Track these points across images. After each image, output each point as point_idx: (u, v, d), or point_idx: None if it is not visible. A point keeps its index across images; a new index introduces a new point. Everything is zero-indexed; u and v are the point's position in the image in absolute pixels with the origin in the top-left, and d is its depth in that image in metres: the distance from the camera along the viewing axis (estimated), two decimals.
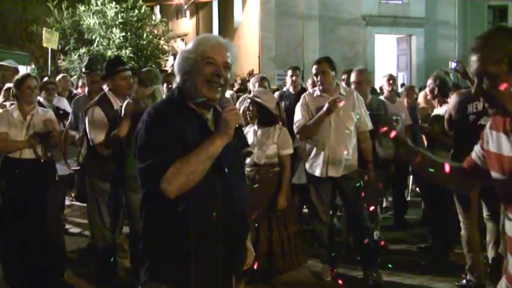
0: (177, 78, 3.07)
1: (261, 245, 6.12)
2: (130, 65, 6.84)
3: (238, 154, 3.03)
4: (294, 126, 6.74)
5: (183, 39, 27.86)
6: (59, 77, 11.54)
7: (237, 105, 9.23)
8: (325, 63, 6.68)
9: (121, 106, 6.35)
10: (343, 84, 7.64)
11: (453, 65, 6.72)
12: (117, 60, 7.18)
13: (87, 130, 6.32)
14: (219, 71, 2.92)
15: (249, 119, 6.42)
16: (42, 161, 6.41)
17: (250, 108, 6.46)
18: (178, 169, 2.74)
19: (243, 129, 2.94)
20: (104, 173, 6.36)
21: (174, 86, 8.24)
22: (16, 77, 6.64)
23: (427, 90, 7.64)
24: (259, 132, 6.35)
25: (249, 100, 6.53)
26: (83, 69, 8.52)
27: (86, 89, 8.74)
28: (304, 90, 9.75)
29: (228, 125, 2.85)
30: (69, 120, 7.85)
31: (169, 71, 9.28)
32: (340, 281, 6.41)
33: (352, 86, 7.35)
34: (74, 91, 11.97)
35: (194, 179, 2.77)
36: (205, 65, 2.91)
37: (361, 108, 6.61)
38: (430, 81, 7.44)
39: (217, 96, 2.95)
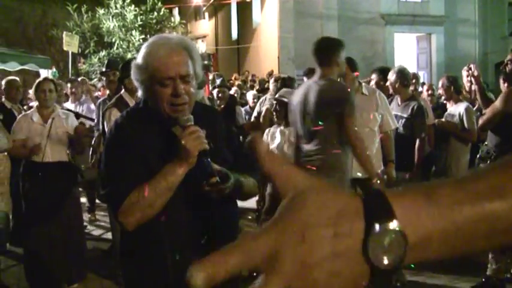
0: (139, 92, 2.82)
1: None
2: None
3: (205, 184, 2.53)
4: None
5: (203, 41, 27.90)
6: (79, 80, 11.62)
7: (257, 106, 9.24)
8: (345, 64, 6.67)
9: None
10: (373, 82, 7.66)
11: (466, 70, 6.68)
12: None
13: (106, 132, 6.36)
14: (177, 91, 2.57)
15: (275, 119, 6.39)
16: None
17: (278, 109, 6.41)
18: (133, 203, 2.54)
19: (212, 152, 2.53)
20: None
21: None
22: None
23: (440, 91, 7.64)
24: (287, 132, 6.33)
25: (274, 101, 6.50)
26: (103, 69, 8.63)
27: (107, 91, 8.80)
28: None
29: (189, 153, 2.50)
30: (95, 122, 7.92)
31: None
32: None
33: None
34: (95, 94, 12.03)
35: (152, 212, 2.55)
36: (160, 88, 2.59)
37: (384, 107, 6.55)
38: (443, 81, 7.44)
39: (184, 113, 2.60)
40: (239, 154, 2.95)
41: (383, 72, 7.68)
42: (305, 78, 9.74)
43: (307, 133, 5.39)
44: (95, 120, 8.04)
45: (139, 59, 2.69)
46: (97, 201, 9.97)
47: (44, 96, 6.41)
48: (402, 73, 7.26)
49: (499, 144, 6.30)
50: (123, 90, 6.66)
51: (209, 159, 2.54)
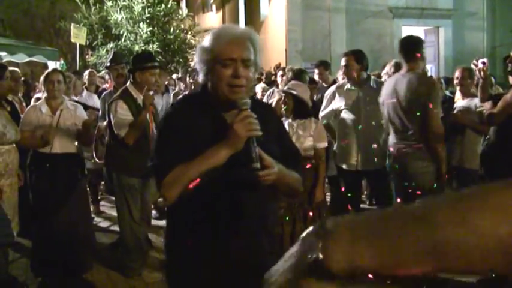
0: (200, 75, 2.95)
1: (296, 238, 6.09)
2: (158, 59, 6.88)
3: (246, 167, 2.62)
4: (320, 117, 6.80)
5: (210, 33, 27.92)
6: (86, 72, 11.63)
7: (265, 98, 9.24)
8: (349, 56, 6.69)
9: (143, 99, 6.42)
10: (387, 71, 7.67)
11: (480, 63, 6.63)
12: (149, 55, 7.17)
13: (112, 124, 6.37)
14: (237, 72, 2.72)
15: (283, 111, 6.39)
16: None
17: (286, 101, 6.41)
18: (176, 177, 2.65)
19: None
20: (130, 168, 6.41)
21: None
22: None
23: (457, 82, 7.60)
24: (295, 125, 6.33)
25: (283, 93, 6.49)
26: (107, 64, 8.59)
27: (113, 84, 8.82)
28: (335, 82, 9.76)
29: (237, 137, 2.61)
30: (98, 116, 7.92)
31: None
32: (370, 276, 6.33)
33: None
34: (102, 86, 12.05)
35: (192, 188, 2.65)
36: (222, 68, 2.74)
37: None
38: (463, 73, 7.41)
39: (241, 97, 2.74)
40: (288, 152, 3.06)
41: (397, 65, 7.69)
42: (316, 70, 9.74)
43: (400, 124, 5.87)
44: (100, 113, 8.05)
45: (205, 42, 2.86)
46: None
47: (52, 87, 6.42)
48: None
49: (503, 137, 6.29)
50: (128, 82, 6.68)
51: (255, 146, 2.61)
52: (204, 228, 2.78)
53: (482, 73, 6.35)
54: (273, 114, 3.33)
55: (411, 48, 5.98)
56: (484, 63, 6.33)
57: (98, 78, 12.05)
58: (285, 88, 6.45)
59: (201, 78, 2.94)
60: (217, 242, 2.79)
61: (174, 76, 16.17)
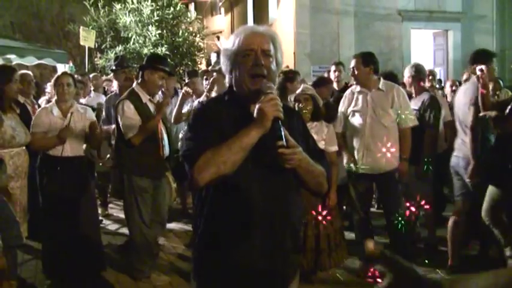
0: (226, 77, 3.01)
1: (308, 241, 6.09)
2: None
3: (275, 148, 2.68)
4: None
5: (218, 37, 27.98)
6: (91, 76, 11.73)
7: None
8: (357, 59, 6.69)
9: (149, 100, 6.46)
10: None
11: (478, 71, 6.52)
12: (163, 58, 7.19)
13: (120, 125, 6.39)
14: (258, 59, 2.81)
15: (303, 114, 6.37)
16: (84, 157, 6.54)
17: (306, 104, 6.38)
18: (208, 158, 2.69)
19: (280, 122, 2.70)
20: (142, 170, 6.41)
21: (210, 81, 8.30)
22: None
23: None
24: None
25: (304, 96, 6.43)
26: (113, 67, 8.64)
27: (117, 87, 8.88)
28: (347, 86, 9.73)
29: (265, 116, 2.68)
30: (102, 118, 7.97)
31: (212, 68, 9.31)
32: (379, 280, 6.31)
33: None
34: (111, 88, 12.12)
35: (225, 170, 2.69)
36: (242, 58, 2.84)
37: (402, 104, 6.50)
38: (466, 76, 7.43)
39: (264, 81, 2.81)
40: (313, 149, 3.15)
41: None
42: (333, 68, 9.65)
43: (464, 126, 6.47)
44: (103, 114, 8.10)
45: (228, 44, 2.96)
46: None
47: (62, 90, 6.44)
48: (416, 68, 7.60)
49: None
50: (135, 83, 6.70)
51: (281, 126, 2.68)
52: (232, 222, 2.81)
53: (481, 81, 6.23)
54: (295, 113, 3.45)
55: (471, 61, 6.59)
56: (481, 70, 6.16)
57: (106, 81, 12.12)
58: (300, 91, 6.43)
59: (227, 78, 3.01)
60: (242, 238, 2.82)
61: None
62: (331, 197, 6.27)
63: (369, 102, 6.58)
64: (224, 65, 2.98)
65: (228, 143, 2.70)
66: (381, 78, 6.77)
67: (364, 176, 6.63)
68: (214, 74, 8.47)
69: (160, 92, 7.09)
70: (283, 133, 2.67)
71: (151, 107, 6.52)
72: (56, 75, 6.71)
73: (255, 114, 2.73)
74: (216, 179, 2.71)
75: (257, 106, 2.73)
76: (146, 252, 6.63)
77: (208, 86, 8.33)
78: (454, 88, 9.86)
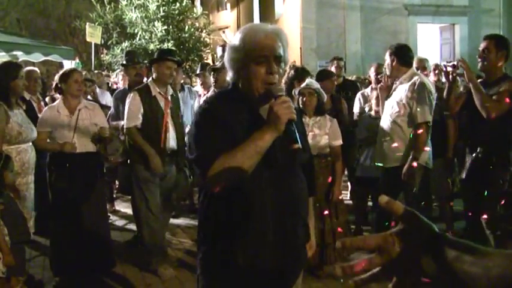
0: (230, 74, 2.98)
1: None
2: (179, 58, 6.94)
3: (288, 150, 2.69)
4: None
5: (224, 32, 27.93)
6: (96, 72, 11.81)
7: None
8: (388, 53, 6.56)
9: (159, 93, 6.56)
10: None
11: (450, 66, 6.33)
12: (168, 50, 7.31)
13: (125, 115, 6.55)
14: (272, 68, 2.78)
15: (306, 109, 6.37)
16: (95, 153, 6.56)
17: (311, 99, 6.37)
18: (223, 163, 2.65)
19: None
20: (145, 160, 6.50)
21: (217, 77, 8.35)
22: (62, 72, 6.71)
23: None
24: (311, 123, 6.32)
25: (308, 91, 6.42)
26: (124, 62, 8.69)
27: (127, 82, 8.92)
28: (346, 81, 9.68)
29: (279, 119, 2.64)
30: (109, 113, 8.00)
31: (218, 62, 9.32)
32: None
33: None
34: (116, 85, 12.15)
35: (240, 175, 2.66)
36: (255, 66, 2.78)
37: (414, 99, 6.16)
38: None
39: (275, 85, 2.80)
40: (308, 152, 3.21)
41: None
42: (335, 63, 9.67)
43: None
44: (112, 110, 8.15)
45: (235, 41, 2.89)
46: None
47: (77, 87, 6.45)
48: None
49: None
50: (149, 79, 6.82)
51: (295, 129, 2.68)
52: (242, 219, 2.80)
53: (450, 77, 6.07)
54: (299, 111, 3.49)
55: None
56: (454, 66, 6.01)
57: (110, 78, 12.20)
58: (304, 85, 6.41)
59: (230, 76, 2.99)
60: (254, 232, 2.81)
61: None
62: (336, 192, 6.27)
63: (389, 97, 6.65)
64: (230, 63, 2.93)
65: (242, 148, 2.67)
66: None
67: (380, 170, 6.65)
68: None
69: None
70: (297, 135, 2.67)
71: (161, 100, 6.62)
72: (66, 71, 6.65)
73: (267, 117, 2.71)
74: (232, 182, 2.70)
75: (270, 109, 2.70)
76: (153, 244, 6.66)
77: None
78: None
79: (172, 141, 6.66)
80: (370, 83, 9.15)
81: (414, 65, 7.20)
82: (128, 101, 6.63)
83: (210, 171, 2.68)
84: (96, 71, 12.32)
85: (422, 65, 8.47)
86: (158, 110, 6.55)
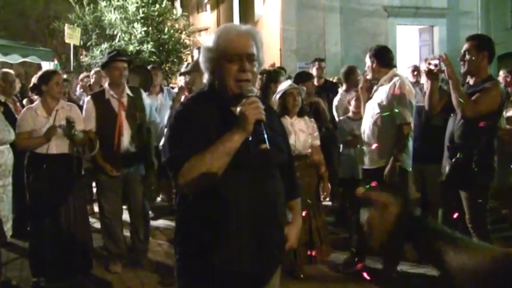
0: (205, 75, 3.01)
1: (301, 235, 6.08)
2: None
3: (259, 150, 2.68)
4: None
5: (205, 33, 27.92)
6: (82, 75, 11.71)
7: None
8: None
9: (112, 95, 6.66)
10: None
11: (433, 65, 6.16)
12: (114, 51, 7.26)
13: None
14: (243, 67, 2.84)
15: (291, 108, 6.41)
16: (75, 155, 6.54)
17: (297, 98, 6.41)
18: (193, 165, 2.68)
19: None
20: (97, 163, 6.70)
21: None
22: (41, 73, 6.68)
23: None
24: (295, 123, 6.39)
25: (294, 90, 6.45)
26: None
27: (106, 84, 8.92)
28: (327, 82, 9.68)
29: (247, 119, 2.67)
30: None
31: (189, 65, 9.32)
32: (365, 274, 6.23)
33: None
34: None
35: (210, 176, 2.68)
36: (228, 64, 2.85)
37: (396, 101, 6.08)
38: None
39: (246, 85, 2.83)
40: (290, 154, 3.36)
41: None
42: (317, 65, 9.69)
43: None
44: None
45: (209, 42, 2.96)
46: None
47: (58, 89, 6.45)
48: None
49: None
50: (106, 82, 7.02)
51: (264, 129, 2.70)
52: (217, 221, 2.81)
53: (432, 76, 5.94)
54: (274, 112, 3.48)
55: None
56: (436, 65, 5.79)
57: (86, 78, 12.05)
58: (288, 85, 6.45)
59: (206, 77, 3.03)
60: (229, 234, 2.81)
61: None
62: (326, 188, 6.54)
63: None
64: (205, 64, 2.97)
65: (211, 149, 2.69)
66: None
67: (363, 170, 6.69)
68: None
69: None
70: (265, 136, 2.68)
71: (114, 103, 6.68)
72: (46, 73, 6.64)
73: (237, 117, 2.74)
74: (203, 185, 2.71)
75: (238, 110, 2.72)
76: (110, 246, 6.89)
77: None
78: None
79: (126, 144, 6.64)
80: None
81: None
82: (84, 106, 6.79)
83: (180, 173, 2.71)
84: (95, 69, 12.13)
85: None
86: (111, 113, 6.61)
